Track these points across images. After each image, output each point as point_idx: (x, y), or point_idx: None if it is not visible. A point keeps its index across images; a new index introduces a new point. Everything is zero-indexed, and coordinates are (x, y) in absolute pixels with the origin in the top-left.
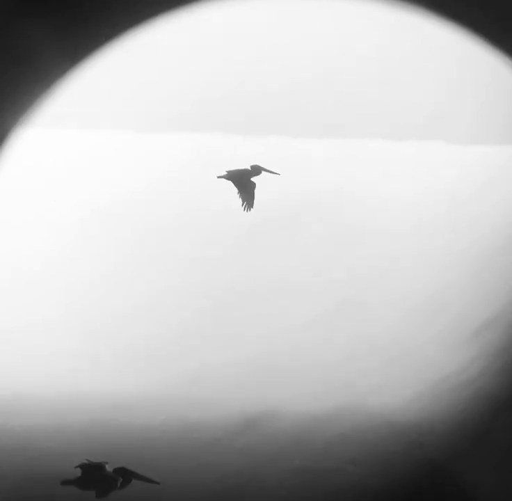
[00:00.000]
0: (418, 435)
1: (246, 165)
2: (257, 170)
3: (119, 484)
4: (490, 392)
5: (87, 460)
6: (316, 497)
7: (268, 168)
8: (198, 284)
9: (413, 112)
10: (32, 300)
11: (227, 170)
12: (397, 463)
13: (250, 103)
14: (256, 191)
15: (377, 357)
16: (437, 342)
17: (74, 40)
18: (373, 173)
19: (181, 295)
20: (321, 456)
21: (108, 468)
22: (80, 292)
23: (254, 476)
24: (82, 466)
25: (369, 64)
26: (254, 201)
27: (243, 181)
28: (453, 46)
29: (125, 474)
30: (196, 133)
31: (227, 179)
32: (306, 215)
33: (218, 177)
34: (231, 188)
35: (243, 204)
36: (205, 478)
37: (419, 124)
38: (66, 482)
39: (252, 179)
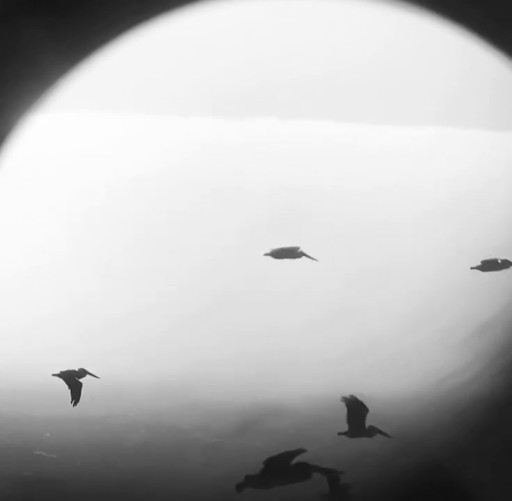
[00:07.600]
0: (418, 435)
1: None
2: (297, 253)
3: None
4: (489, 392)
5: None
6: (316, 496)
7: (308, 254)
8: (201, 281)
9: (413, 113)
10: (37, 296)
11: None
12: (397, 463)
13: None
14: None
15: (377, 357)
16: (437, 342)
17: (72, 39)
18: (373, 166)
19: (181, 293)
20: (320, 456)
21: None
22: (79, 291)
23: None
24: None
25: (372, 62)
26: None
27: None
28: (454, 46)
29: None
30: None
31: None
32: (307, 213)
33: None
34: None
35: None
36: (208, 477)
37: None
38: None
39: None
